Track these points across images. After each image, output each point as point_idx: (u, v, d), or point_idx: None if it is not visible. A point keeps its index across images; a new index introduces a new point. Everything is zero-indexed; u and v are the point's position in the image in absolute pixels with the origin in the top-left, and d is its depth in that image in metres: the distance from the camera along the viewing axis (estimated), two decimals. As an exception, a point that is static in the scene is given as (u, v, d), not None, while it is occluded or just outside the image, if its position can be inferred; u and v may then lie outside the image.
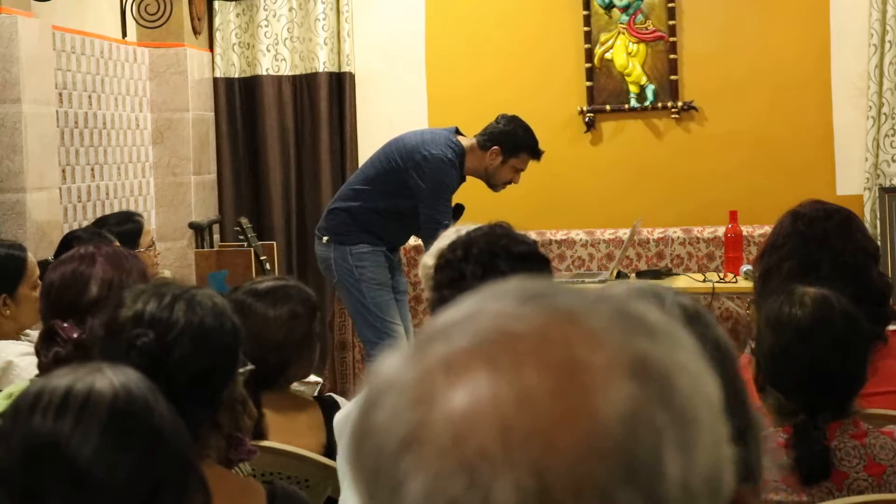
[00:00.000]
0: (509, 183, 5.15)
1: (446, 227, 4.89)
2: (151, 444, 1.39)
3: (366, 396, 0.72)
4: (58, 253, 3.86)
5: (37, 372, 2.51)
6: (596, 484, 0.65)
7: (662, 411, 0.68)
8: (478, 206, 5.48)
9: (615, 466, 0.65)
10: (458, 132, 5.14)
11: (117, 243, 3.54)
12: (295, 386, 2.93)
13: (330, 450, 2.69)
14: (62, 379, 1.42)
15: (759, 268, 2.92)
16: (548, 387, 0.67)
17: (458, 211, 5.15)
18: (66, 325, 2.39)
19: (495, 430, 0.66)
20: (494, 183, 5.14)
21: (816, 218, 2.89)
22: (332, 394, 2.95)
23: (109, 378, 1.41)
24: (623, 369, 0.68)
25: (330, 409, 2.78)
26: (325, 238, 5.19)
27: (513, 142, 5.05)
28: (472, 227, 2.92)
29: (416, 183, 4.98)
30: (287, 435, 2.67)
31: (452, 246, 2.38)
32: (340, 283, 5.16)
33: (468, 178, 5.16)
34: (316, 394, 3.31)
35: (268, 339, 2.67)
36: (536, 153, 5.09)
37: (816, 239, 2.83)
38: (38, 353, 2.46)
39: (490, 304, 0.72)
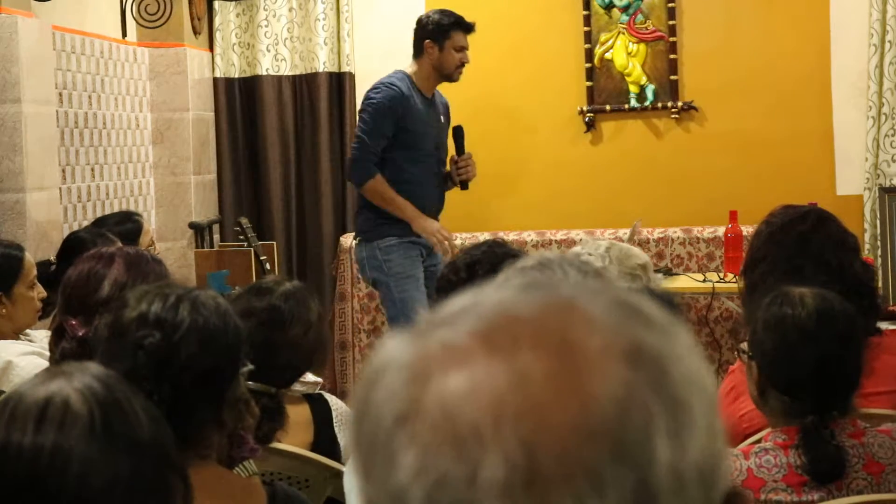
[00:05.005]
0: (463, 66, 5.11)
1: (368, 147, 4.88)
2: (134, 441, 1.33)
3: (366, 375, 0.73)
4: (60, 253, 3.85)
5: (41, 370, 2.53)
6: (585, 462, 0.66)
7: (655, 396, 0.68)
8: (479, 208, 5.49)
9: (605, 446, 0.66)
10: None
11: (119, 243, 3.54)
12: (295, 385, 2.93)
13: (317, 447, 2.69)
14: (32, 390, 1.33)
15: (744, 284, 2.90)
16: (542, 367, 0.68)
17: (458, 133, 5.13)
18: (73, 321, 2.42)
19: (487, 407, 0.67)
20: (448, 73, 5.11)
21: (789, 223, 2.85)
22: (322, 391, 2.94)
23: (79, 381, 1.33)
24: (618, 354, 0.69)
25: (319, 406, 2.79)
26: (357, 240, 5.16)
27: (437, 28, 5.08)
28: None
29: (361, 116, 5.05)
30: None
31: (453, 268, 2.31)
32: (376, 283, 5.08)
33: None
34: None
35: (311, 340, 2.71)
36: (465, 26, 5.10)
37: (793, 245, 2.80)
38: (51, 348, 2.53)
39: (493, 293, 0.74)
